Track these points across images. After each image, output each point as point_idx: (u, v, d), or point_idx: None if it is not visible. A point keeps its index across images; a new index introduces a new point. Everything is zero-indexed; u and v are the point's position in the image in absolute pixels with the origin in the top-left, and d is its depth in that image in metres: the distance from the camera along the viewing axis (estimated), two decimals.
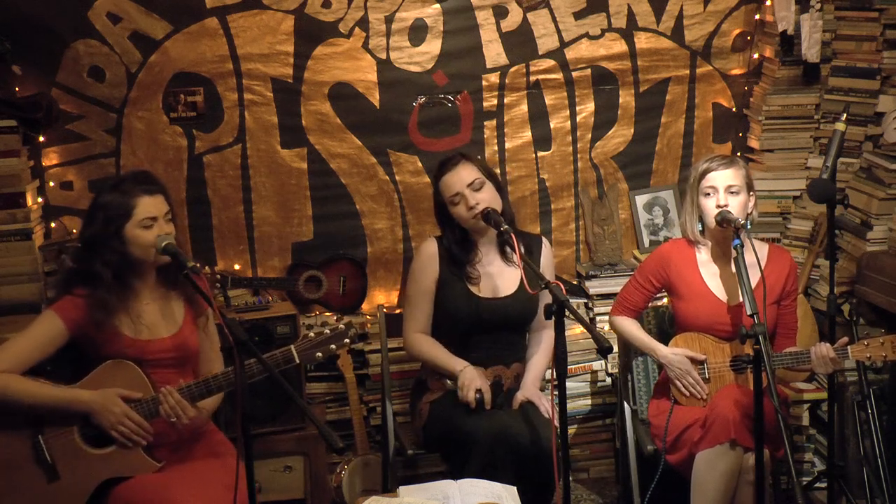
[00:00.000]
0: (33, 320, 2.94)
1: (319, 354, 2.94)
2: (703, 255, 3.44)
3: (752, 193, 3.36)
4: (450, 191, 3.39)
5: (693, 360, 3.35)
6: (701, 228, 3.42)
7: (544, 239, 3.61)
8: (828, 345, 3.19)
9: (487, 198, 3.36)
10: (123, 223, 2.89)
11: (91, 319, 2.87)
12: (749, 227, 3.25)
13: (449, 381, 3.39)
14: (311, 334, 2.95)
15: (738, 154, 4.37)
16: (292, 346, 2.92)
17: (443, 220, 3.50)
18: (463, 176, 3.38)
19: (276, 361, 2.88)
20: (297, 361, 2.91)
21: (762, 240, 3.59)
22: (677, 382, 3.35)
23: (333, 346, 2.95)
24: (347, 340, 2.97)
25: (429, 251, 3.51)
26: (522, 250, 3.45)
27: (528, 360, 3.52)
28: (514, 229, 3.30)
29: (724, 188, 3.30)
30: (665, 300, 3.60)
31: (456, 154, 3.51)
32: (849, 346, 3.19)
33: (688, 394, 3.34)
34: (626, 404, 3.68)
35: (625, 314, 3.55)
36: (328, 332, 2.95)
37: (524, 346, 3.58)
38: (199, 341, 3.08)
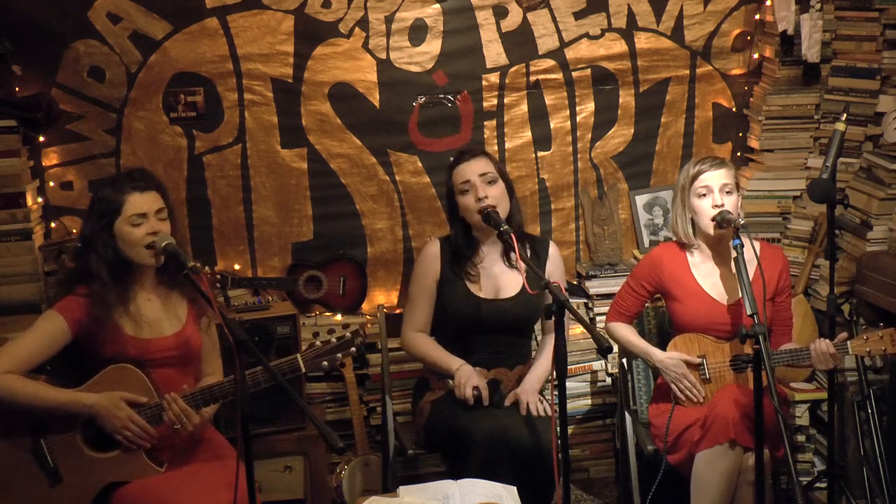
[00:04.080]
0: (35, 320, 2.93)
1: (325, 363, 2.93)
2: (696, 258, 3.45)
3: (739, 194, 3.38)
4: (461, 178, 3.39)
5: (689, 364, 3.35)
6: (692, 230, 3.42)
7: (552, 242, 3.61)
8: (827, 341, 3.19)
9: (496, 195, 3.37)
10: (113, 219, 2.89)
11: (93, 318, 2.86)
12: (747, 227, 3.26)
13: (451, 381, 3.38)
14: (318, 343, 2.94)
15: (738, 154, 4.37)
16: (298, 356, 2.91)
17: (452, 216, 3.50)
18: (478, 167, 3.39)
19: (282, 371, 2.87)
20: (304, 371, 2.91)
21: (756, 238, 3.58)
22: (673, 386, 3.36)
23: (339, 355, 2.94)
24: (353, 349, 2.97)
25: (431, 251, 3.51)
26: (528, 252, 3.46)
27: (533, 361, 3.52)
28: (518, 231, 3.30)
29: (718, 188, 3.30)
30: (664, 301, 3.60)
31: (477, 147, 3.52)
32: (848, 341, 3.19)
33: (684, 398, 3.34)
34: (626, 404, 3.68)
35: (619, 320, 3.55)
36: (334, 340, 2.95)
37: (527, 349, 3.57)
38: (201, 342, 3.08)
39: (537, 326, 3.64)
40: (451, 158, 3.52)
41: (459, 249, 3.47)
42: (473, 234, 3.48)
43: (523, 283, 3.40)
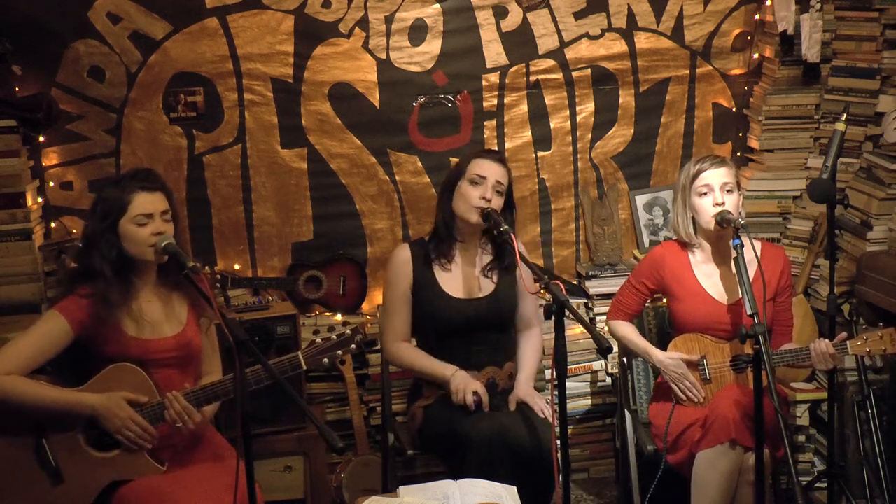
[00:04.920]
0: (37, 320, 2.92)
1: (326, 360, 2.94)
2: (697, 257, 3.44)
3: (740, 193, 3.38)
4: (479, 170, 3.37)
5: (689, 363, 3.35)
6: (693, 228, 3.42)
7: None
8: (827, 341, 3.19)
9: (497, 205, 3.37)
10: (118, 218, 2.89)
11: (95, 318, 2.86)
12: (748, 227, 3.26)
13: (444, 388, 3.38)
14: (318, 340, 2.95)
15: (739, 154, 4.38)
16: (299, 353, 2.92)
17: (443, 202, 3.47)
18: (498, 172, 3.38)
19: (284, 368, 2.88)
20: (305, 368, 2.92)
21: (757, 239, 3.59)
22: (674, 386, 3.36)
23: (340, 352, 2.95)
24: (354, 346, 2.97)
25: (401, 257, 3.48)
26: (496, 251, 3.45)
27: (519, 360, 3.51)
28: (493, 234, 3.30)
29: (719, 186, 3.30)
30: (665, 300, 3.60)
31: (504, 155, 3.50)
32: (848, 341, 3.19)
33: (685, 398, 3.34)
34: (626, 404, 3.68)
35: (620, 318, 3.55)
36: (335, 337, 2.96)
37: (512, 344, 3.57)
38: (202, 342, 3.08)
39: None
40: (473, 150, 3.51)
41: (438, 239, 3.45)
42: (454, 231, 3.46)
43: (496, 282, 3.43)
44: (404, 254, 3.48)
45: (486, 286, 3.46)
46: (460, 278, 3.45)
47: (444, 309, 3.40)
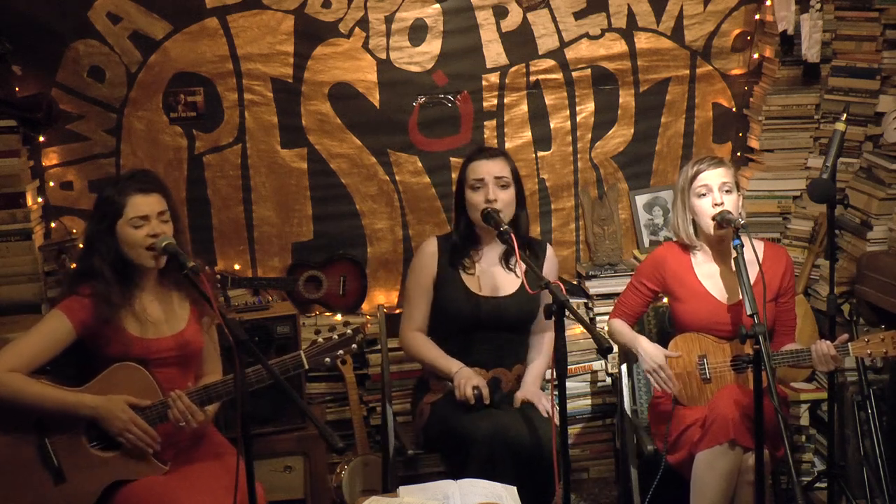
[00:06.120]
0: (40, 320, 2.93)
1: (328, 360, 2.96)
2: (698, 257, 3.45)
3: (739, 193, 3.38)
4: (476, 174, 3.40)
5: (669, 359, 3.35)
6: (693, 230, 3.42)
7: (549, 245, 3.62)
8: (828, 342, 3.19)
9: (505, 200, 3.38)
10: (115, 220, 2.90)
11: (97, 318, 2.87)
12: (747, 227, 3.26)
13: (450, 383, 3.39)
14: (320, 339, 2.97)
15: (738, 154, 4.38)
16: (301, 352, 2.94)
17: (458, 208, 3.51)
18: (495, 168, 3.40)
19: (286, 366, 2.90)
20: (307, 367, 2.94)
21: (759, 238, 3.59)
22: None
23: (341, 352, 2.97)
24: (355, 346, 2.99)
25: (428, 250, 3.53)
26: (526, 254, 3.46)
27: (528, 363, 3.52)
28: (516, 232, 3.31)
29: (717, 186, 3.31)
30: (666, 300, 3.60)
31: (499, 149, 3.52)
32: (849, 343, 3.20)
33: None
34: (625, 404, 3.68)
35: (622, 318, 3.55)
36: (336, 337, 2.98)
37: (525, 348, 3.57)
38: (203, 341, 3.08)
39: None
40: (470, 151, 3.54)
41: (460, 243, 3.47)
42: (476, 232, 3.49)
43: (521, 283, 3.41)
44: (431, 247, 3.53)
45: (511, 286, 3.46)
46: (485, 276, 3.47)
47: (468, 305, 3.42)
